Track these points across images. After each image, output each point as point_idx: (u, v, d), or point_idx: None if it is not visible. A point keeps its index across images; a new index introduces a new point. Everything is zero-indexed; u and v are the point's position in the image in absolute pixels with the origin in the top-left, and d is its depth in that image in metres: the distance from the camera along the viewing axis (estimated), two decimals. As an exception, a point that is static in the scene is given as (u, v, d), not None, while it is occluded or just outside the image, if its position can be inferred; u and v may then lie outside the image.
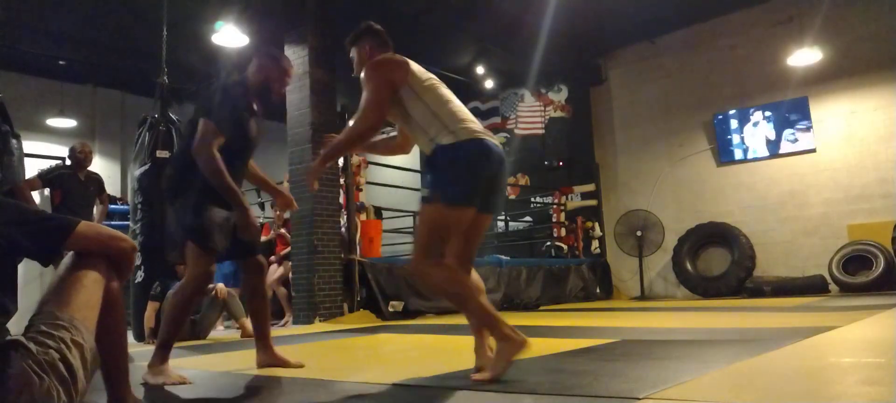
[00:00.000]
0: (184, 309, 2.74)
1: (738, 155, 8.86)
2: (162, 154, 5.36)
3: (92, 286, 1.67)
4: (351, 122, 2.50)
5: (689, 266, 8.95)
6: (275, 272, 6.78)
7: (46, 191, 5.21)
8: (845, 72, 8.07)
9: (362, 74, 2.45)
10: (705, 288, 8.71)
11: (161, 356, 2.66)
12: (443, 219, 2.26)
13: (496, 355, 2.25)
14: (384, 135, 3.07)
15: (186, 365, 3.46)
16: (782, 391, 1.99)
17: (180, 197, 2.74)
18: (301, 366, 2.88)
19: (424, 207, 2.29)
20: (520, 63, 9.49)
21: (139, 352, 4.33)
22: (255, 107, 2.89)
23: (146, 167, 5.33)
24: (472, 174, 2.27)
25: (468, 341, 3.44)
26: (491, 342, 2.34)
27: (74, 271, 1.68)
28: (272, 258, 6.86)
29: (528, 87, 10.80)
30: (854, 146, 8.07)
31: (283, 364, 2.90)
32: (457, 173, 2.25)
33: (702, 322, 4.92)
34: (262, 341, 2.94)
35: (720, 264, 8.77)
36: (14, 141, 4.73)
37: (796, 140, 8.41)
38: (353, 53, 2.65)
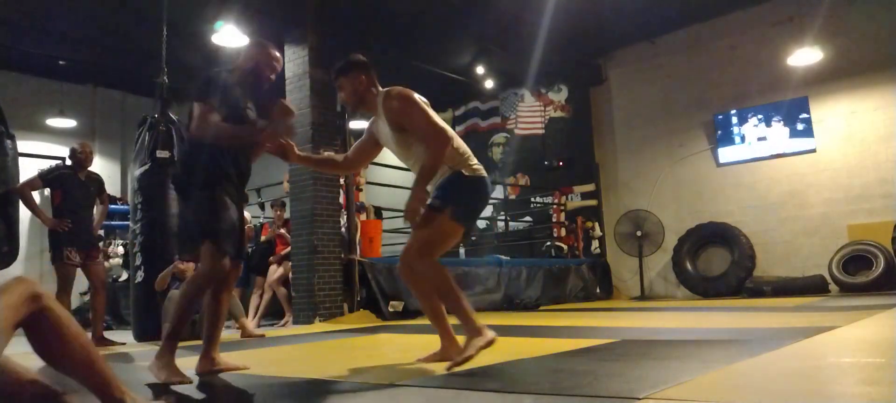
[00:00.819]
0: (193, 301, 2.73)
1: (739, 155, 8.86)
2: (162, 154, 5.36)
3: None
4: (423, 154, 2.71)
5: (689, 266, 8.95)
6: (275, 272, 6.79)
7: (47, 191, 5.21)
8: (845, 72, 8.06)
9: (393, 105, 2.75)
10: (705, 288, 8.71)
11: (169, 347, 2.64)
12: (449, 230, 2.71)
13: (467, 344, 2.58)
14: (329, 154, 3.27)
15: (186, 365, 3.46)
16: (782, 391, 1.99)
17: (193, 193, 2.73)
18: (246, 368, 2.87)
19: (436, 216, 2.67)
20: (520, 63, 9.49)
21: (140, 352, 4.33)
22: (246, 93, 2.88)
23: (146, 167, 5.34)
24: (478, 204, 2.86)
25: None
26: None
27: None
28: (272, 258, 6.87)
29: (528, 87, 10.80)
30: (854, 146, 8.07)
31: (227, 368, 2.84)
32: (470, 201, 2.77)
33: (702, 322, 4.92)
34: (207, 344, 2.84)
35: (720, 264, 8.77)
36: (8, 142, 4.73)
37: (796, 140, 8.41)
38: (344, 83, 2.88)
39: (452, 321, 2.77)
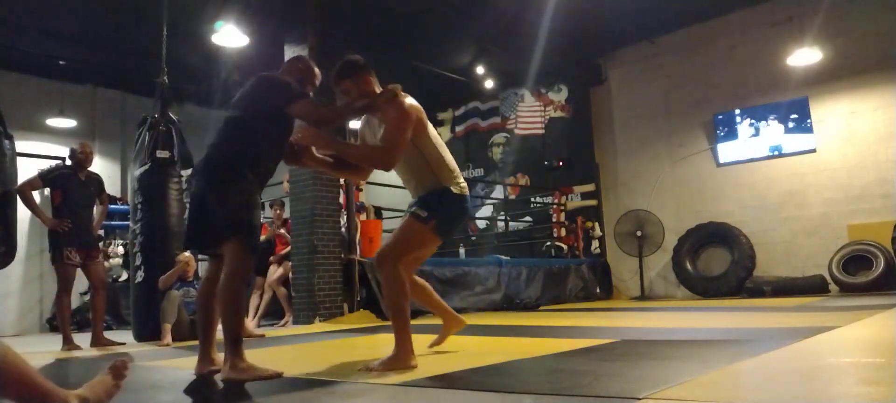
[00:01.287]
0: (239, 300, 2.72)
1: (738, 155, 8.86)
2: (162, 154, 5.37)
3: None
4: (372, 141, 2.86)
5: (689, 266, 8.95)
6: (274, 272, 6.79)
7: (46, 191, 5.21)
8: (845, 72, 8.06)
9: (387, 111, 2.77)
10: (705, 288, 8.71)
11: (236, 351, 2.61)
12: (427, 240, 2.89)
13: (388, 360, 2.68)
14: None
15: (186, 365, 3.46)
16: (782, 391, 1.99)
17: (225, 186, 2.71)
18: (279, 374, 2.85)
19: (417, 223, 2.81)
20: (520, 63, 9.49)
21: (140, 352, 4.34)
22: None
23: (146, 167, 5.34)
24: (459, 221, 3.02)
25: (468, 341, 3.46)
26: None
27: None
28: (272, 258, 6.86)
29: (528, 87, 10.80)
30: (854, 146, 8.07)
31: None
32: (453, 217, 2.92)
33: (702, 322, 4.92)
34: (204, 345, 2.82)
35: (720, 264, 8.77)
36: (6, 142, 4.73)
37: (796, 140, 8.41)
38: (350, 86, 2.87)
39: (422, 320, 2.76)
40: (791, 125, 8.45)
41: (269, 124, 2.77)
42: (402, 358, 2.67)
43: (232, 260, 2.66)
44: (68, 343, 4.75)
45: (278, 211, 7.08)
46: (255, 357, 3.54)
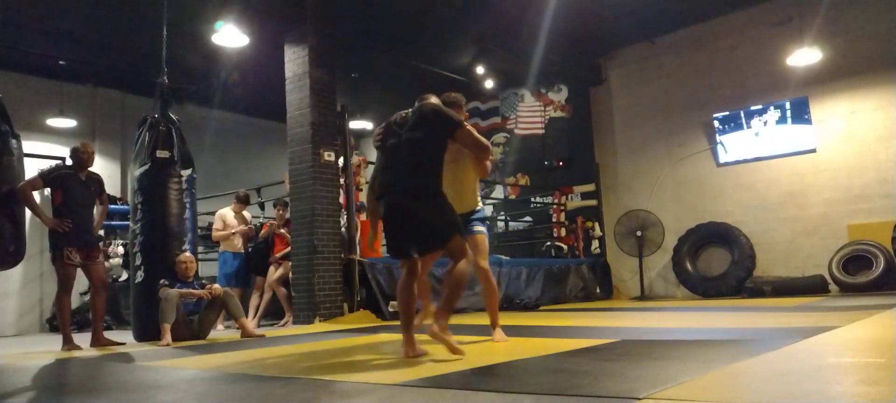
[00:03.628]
0: (467, 280, 3.29)
1: (738, 155, 8.86)
2: (162, 154, 5.36)
3: None
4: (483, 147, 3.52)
5: (689, 266, 8.95)
6: (275, 272, 6.79)
7: (47, 191, 5.20)
8: (845, 72, 8.06)
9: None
10: (705, 288, 8.71)
11: (447, 317, 3.14)
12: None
13: (498, 333, 3.77)
14: None
15: (186, 365, 3.47)
16: (782, 391, 1.99)
17: (437, 198, 3.26)
18: (462, 354, 3.08)
19: (484, 235, 3.79)
20: (520, 63, 9.48)
21: (139, 352, 4.34)
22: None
23: (146, 167, 5.34)
24: None
25: (468, 341, 3.46)
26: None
27: None
28: (271, 258, 6.86)
29: (528, 87, 10.80)
30: (854, 146, 8.07)
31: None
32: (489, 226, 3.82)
33: (702, 322, 4.92)
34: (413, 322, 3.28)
35: (720, 264, 8.77)
36: (14, 141, 4.74)
37: (796, 140, 8.41)
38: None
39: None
40: (791, 125, 8.44)
41: (445, 147, 3.38)
42: (499, 331, 3.77)
43: (460, 251, 3.24)
44: (68, 343, 4.75)
45: (281, 212, 7.08)
46: (255, 357, 3.55)
